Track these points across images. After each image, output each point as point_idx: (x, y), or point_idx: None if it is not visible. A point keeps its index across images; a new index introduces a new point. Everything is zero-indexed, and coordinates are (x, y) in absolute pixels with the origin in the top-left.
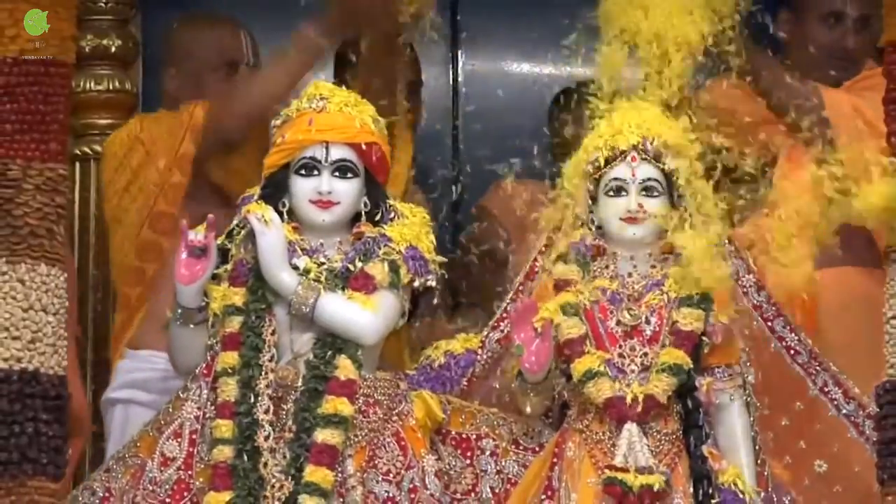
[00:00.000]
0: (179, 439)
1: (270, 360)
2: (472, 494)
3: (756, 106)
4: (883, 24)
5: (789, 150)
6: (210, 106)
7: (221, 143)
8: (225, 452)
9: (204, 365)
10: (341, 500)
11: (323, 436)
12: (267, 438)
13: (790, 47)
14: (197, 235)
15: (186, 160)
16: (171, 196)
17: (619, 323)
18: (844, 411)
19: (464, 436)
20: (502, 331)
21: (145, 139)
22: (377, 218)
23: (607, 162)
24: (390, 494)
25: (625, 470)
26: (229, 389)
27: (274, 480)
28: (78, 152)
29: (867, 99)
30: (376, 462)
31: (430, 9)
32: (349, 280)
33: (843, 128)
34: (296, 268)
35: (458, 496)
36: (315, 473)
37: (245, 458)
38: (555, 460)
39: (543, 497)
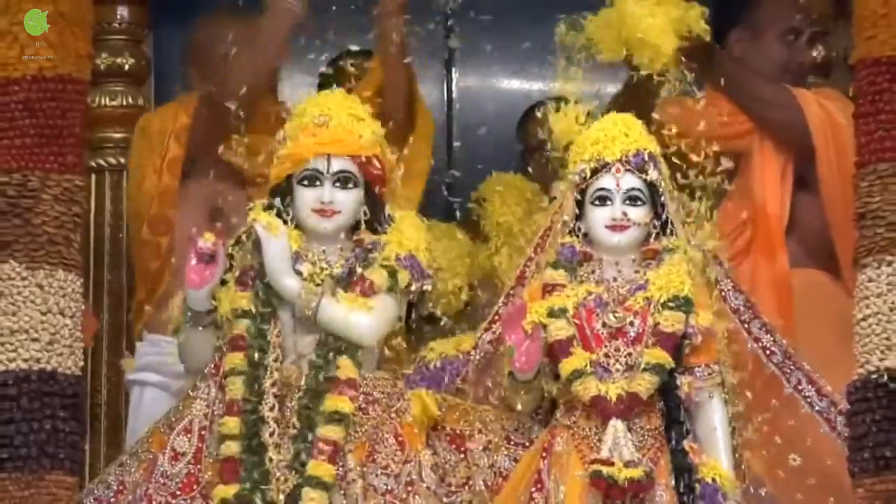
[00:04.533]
0: (189, 435)
1: (275, 361)
2: (466, 487)
3: (711, 118)
4: (828, 43)
5: (761, 149)
6: (199, 95)
7: (214, 128)
8: (232, 448)
9: (212, 365)
10: (342, 492)
11: (325, 432)
12: (272, 434)
13: (744, 63)
14: (206, 243)
15: (175, 164)
16: (167, 200)
17: (604, 325)
18: (817, 408)
19: (458, 432)
20: (494, 333)
21: (150, 133)
22: (376, 226)
23: (593, 173)
24: (389, 487)
25: (610, 463)
26: (236, 388)
27: (279, 474)
28: (93, 164)
29: (829, 101)
30: (375, 457)
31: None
32: (350, 285)
33: (815, 123)
34: (299, 273)
35: (453, 489)
36: (318, 468)
37: (251, 453)
38: (544, 455)
39: (533, 490)
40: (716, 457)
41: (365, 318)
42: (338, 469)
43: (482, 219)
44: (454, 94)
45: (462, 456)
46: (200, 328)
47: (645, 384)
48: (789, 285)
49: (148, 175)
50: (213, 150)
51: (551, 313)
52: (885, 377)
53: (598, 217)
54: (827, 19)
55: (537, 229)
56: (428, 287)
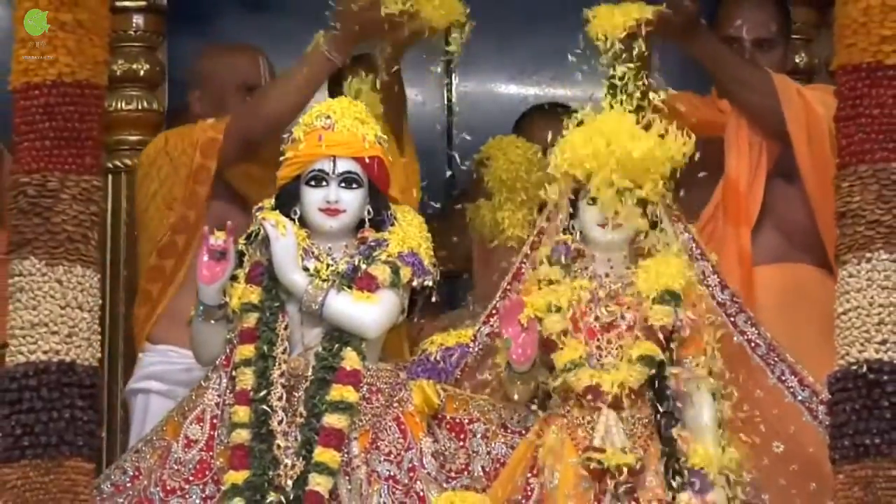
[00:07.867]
0: (202, 424)
1: (283, 353)
2: (465, 473)
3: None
4: (783, 50)
5: (738, 128)
6: (231, 116)
7: (241, 149)
8: (242, 435)
9: (223, 357)
10: (347, 478)
11: (330, 420)
12: (280, 423)
13: None
14: (217, 240)
15: (204, 172)
16: (192, 202)
17: (597, 319)
18: (800, 398)
19: (457, 420)
20: (492, 326)
21: (170, 151)
22: (379, 224)
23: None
24: (391, 473)
25: (602, 451)
26: (246, 379)
27: (287, 461)
28: (110, 166)
29: (811, 91)
30: (379, 444)
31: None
32: (354, 280)
33: (790, 111)
34: (306, 269)
35: (453, 474)
36: (323, 454)
37: (260, 440)
38: (539, 442)
39: (529, 475)
40: (704, 445)
41: (369, 312)
42: (343, 456)
43: (486, 176)
44: (454, 99)
45: (461, 443)
46: (212, 322)
47: (636, 375)
48: (750, 267)
49: (175, 183)
50: (230, 177)
51: (546, 307)
52: (865, 368)
53: (591, 216)
54: (809, 27)
55: (538, 185)
56: (429, 283)
